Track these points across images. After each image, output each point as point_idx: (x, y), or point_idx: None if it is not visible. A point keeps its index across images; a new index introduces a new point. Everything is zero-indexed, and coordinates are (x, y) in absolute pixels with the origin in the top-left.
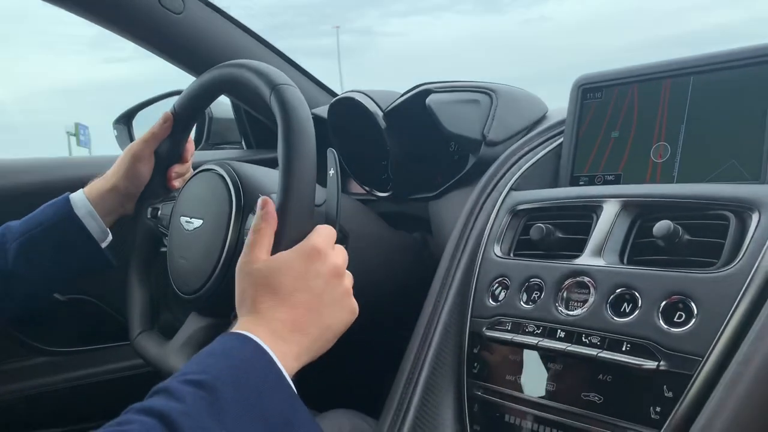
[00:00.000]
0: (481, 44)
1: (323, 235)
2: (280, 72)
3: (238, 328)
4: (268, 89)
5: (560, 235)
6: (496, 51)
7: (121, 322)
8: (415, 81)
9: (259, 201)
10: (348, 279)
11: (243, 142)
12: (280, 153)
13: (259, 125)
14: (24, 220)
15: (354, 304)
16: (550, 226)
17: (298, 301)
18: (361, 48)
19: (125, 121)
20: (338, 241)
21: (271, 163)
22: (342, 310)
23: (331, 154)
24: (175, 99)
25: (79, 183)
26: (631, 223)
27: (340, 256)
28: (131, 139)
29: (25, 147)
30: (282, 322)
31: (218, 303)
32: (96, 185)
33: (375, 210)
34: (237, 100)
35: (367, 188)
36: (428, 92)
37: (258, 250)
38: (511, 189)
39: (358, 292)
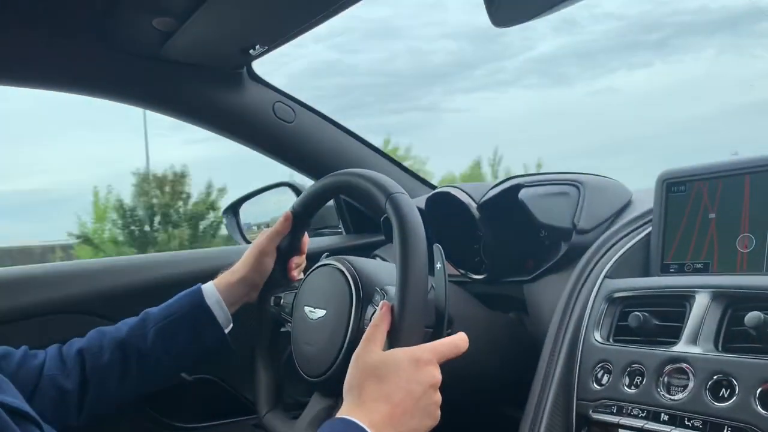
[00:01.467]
0: (548, 117)
1: (437, 351)
2: (392, 181)
3: (343, 412)
4: (384, 197)
5: (656, 323)
6: (563, 123)
7: (240, 400)
8: (482, 154)
9: (381, 302)
10: (439, 394)
11: (342, 227)
12: (397, 254)
13: (356, 211)
14: (161, 307)
15: (438, 415)
16: (646, 314)
17: (398, 399)
18: (427, 124)
19: (233, 210)
20: (445, 326)
21: (370, 247)
22: (429, 417)
23: (437, 250)
24: (280, 189)
25: (213, 274)
26: (723, 312)
27: (440, 373)
28: (239, 226)
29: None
30: (380, 414)
31: (342, 386)
32: (225, 277)
33: (470, 291)
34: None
35: (462, 271)
36: (519, 186)
37: (373, 344)
38: (605, 277)
39: (464, 370)
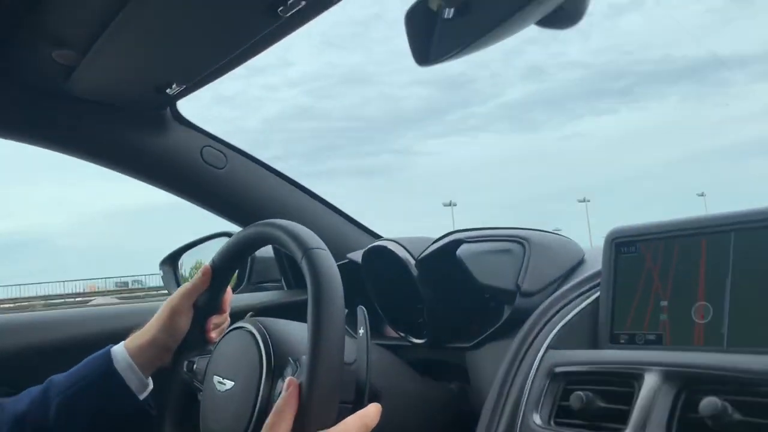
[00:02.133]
0: (516, 161)
1: (354, 427)
2: (312, 234)
3: None
4: (300, 252)
5: (601, 404)
6: (530, 167)
7: None
8: (450, 196)
9: (286, 381)
10: None
11: (283, 282)
12: (309, 319)
13: (298, 265)
14: (67, 374)
15: None
16: (590, 393)
17: None
18: (399, 167)
19: (171, 262)
20: (370, 400)
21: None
22: None
23: (361, 313)
24: (222, 240)
25: (124, 333)
26: (675, 395)
27: None
28: (176, 280)
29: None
30: None
31: None
32: (136, 338)
33: (409, 357)
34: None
35: (401, 334)
36: (459, 242)
37: None
38: (549, 347)
39: None
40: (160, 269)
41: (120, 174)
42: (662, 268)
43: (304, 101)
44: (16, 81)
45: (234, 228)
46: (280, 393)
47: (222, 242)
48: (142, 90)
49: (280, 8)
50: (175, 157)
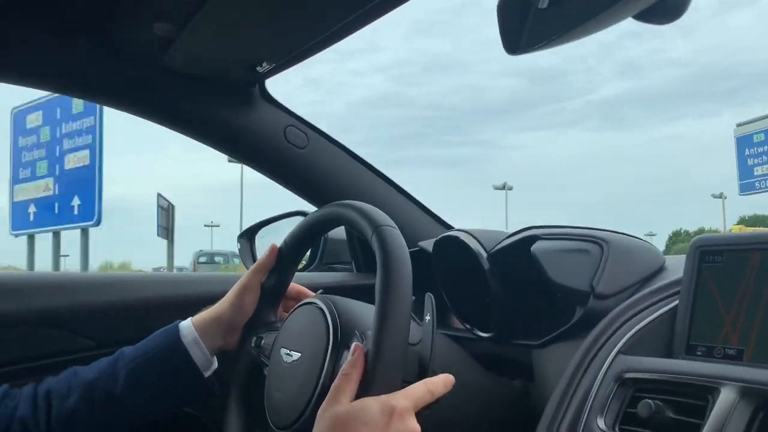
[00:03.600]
0: (604, 160)
1: (413, 397)
2: (382, 213)
3: None
4: (370, 230)
5: (671, 415)
6: (618, 168)
7: None
8: (533, 193)
9: (352, 346)
10: None
11: (353, 265)
12: (377, 292)
13: (370, 248)
14: (136, 346)
15: None
16: (660, 402)
17: None
18: (484, 159)
19: (248, 236)
20: None
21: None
22: None
23: (429, 299)
24: (298, 218)
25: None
26: (752, 414)
27: (419, 424)
28: (253, 254)
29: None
30: None
31: None
32: (204, 314)
33: (474, 350)
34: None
35: (468, 326)
36: (534, 238)
37: (341, 395)
38: (619, 352)
39: None
40: (237, 243)
41: (209, 149)
42: (747, 281)
43: (389, 87)
44: (117, 52)
45: (310, 208)
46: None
47: (298, 220)
48: (234, 66)
49: None
50: (259, 133)
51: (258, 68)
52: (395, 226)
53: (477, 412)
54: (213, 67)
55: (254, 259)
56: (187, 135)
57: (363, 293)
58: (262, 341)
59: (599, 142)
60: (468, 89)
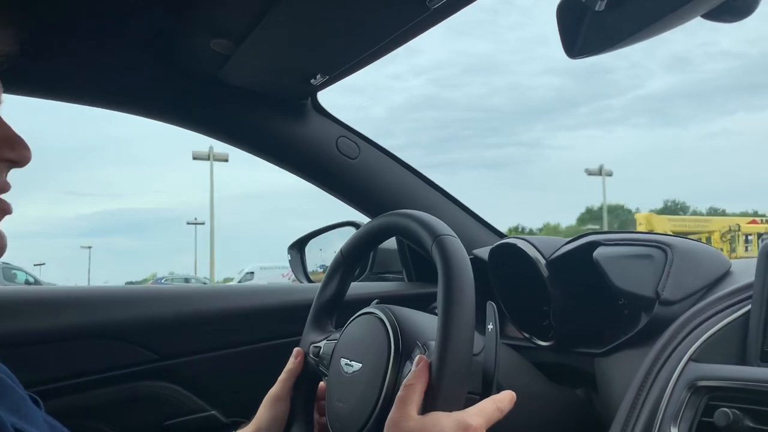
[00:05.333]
0: (655, 159)
1: (485, 414)
2: (441, 223)
3: None
4: (431, 239)
5: (750, 424)
6: (671, 166)
7: None
8: (582, 195)
9: (416, 357)
10: None
11: (404, 274)
12: (439, 303)
13: (420, 258)
14: None
15: None
16: (737, 411)
17: None
18: (528, 160)
19: (298, 247)
20: (493, 393)
21: (431, 298)
22: None
23: (491, 308)
24: (347, 229)
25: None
26: None
27: None
28: (303, 265)
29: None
30: None
31: None
32: (245, 430)
33: (533, 359)
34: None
35: (526, 335)
36: (595, 244)
37: (408, 406)
38: (690, 359)
39: None
40: (288, 254)
41: (253, 158)
42: None
43: (429, 90)
44: (174, 68)
45: (360, 218)
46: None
47: (348, 231)
48: (288, 79)
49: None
50: (312, 145)
51: (312, 81)
52: (455, 235)
53: (541, 422)
54: (268, 81)
55: (304, 270)
56: (240, 148)
57: (416, 303)
58: (320, 351)
59: (649, 139)
60: (508, 89)
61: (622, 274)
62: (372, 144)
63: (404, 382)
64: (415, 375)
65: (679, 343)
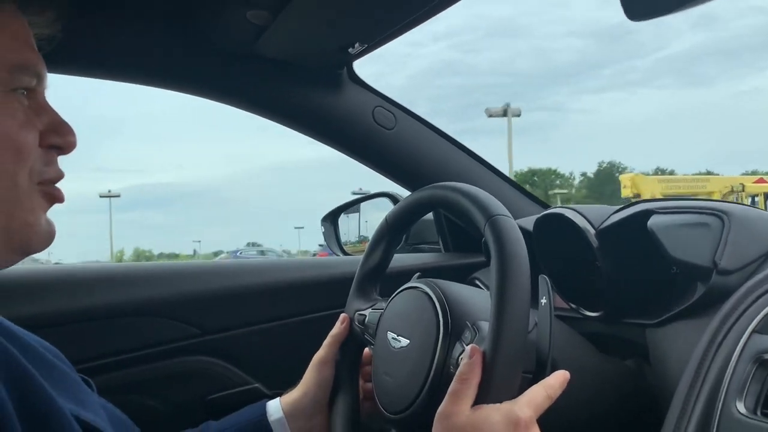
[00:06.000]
0: (683, 121)
1: (535, 404)
2: (495, 201)
3: None
4: (484, 219)
5: None
6: (700, 128)
7: None
8: (608, 158)
9: (468, 349)
10: None
11: (441, 244)
12: (493, 289)
13: (457, 228)
14: (223, 419)
15: None
16: None
17: None
18: (550, 125)
19: (332, 219)
20: (548, 373)
21: (469, 268)
22: None
23: (543, 281)
24: (381, 200)
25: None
26: None
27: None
28: (337, 237)
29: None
30: None
31: (421, 426)
32: (290, 395)
33: (579, 329)
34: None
35: (573, 305)
36: (649, 213)
37: (461, 401)
38: (754, 331)
39: (566, 429)
40: (321, 226)
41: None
42: None
43: (450, 56)
44: (210, 42)
45: (397, 189)
46: (459, 356)
47: (381, 202)
48: (325, 49)
49: None
50: (347, 116)
51: (350, 50)
52: (509, 215)
53: (593, 394)
54: (304, 51)
55: (338, 242)
56: (275, 121)
57: (454, 274)
58: (366, 319)
59: (675, 100)
60: (531, 53)
61: (678, 243)
62: (408, 113)
63: (458, 373)
64: (469, 368)
65: (741, 315)
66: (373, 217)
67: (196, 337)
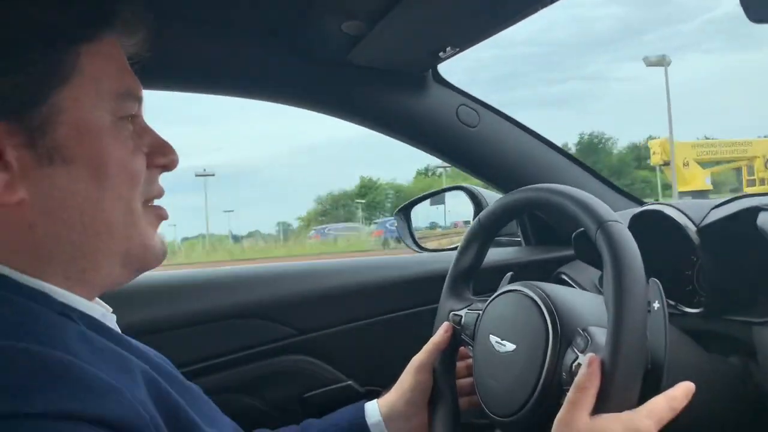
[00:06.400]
0: (733, 85)
1: (657, 416)
2: (604, 206)
3: None
4: (594, 225)
5: None
6: (754, 92)
7: None
8: (649, 129)
9: (586, 358)
10: None
11: (522, 238)
12: (609, 297)
13: (538, 221)
14: (322, 419)
15: None
16: None
17: None
18: (591, 94)
19: (404, 213)
20: (664, 379)
21: (555, 263)
22: None
23: (655, 285)
24: (456, 193)
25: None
26: None
27: None
28: (410, 230)
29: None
30: None
31: (529, 429)
32: (388, 396)
33: (679, 326)
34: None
35: (671, 302)
36: (756, 210)
37: (580, 411)
38: None
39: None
40: (394, 219)
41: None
42: None
43: None
44: (304, 53)
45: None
46: (573, 363)
47: (456, 196)
48: (417, 54)
49: None
50: (433, 116)
51: (440, 54)
52: (620, 220)
53: (703, 395)
54: (396, 58)
55: (412, 235)
56: (363, 125)
57: (539, 269)
58: (462, 320)
59: (723, 64)
60: (568, 21)
61: None
62: (491, 110)
63: (576, 382)
64: (588, 377)
65: None
66: (449, 204)
67: (292, 336)
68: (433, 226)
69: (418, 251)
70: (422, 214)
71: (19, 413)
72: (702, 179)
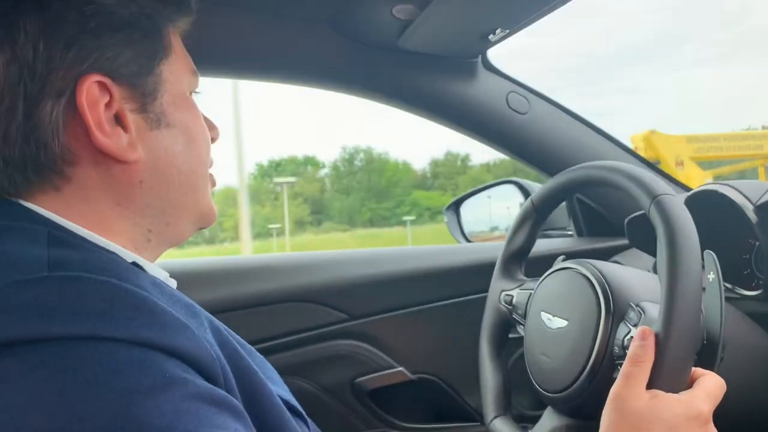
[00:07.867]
0: None
1: (714, 396)
2: (658, 179)
3: None
4: (648, 199)
5: None
6: None
7: (461, 404)
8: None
9: (639, 331)
10: None
11: (573, 229)
12: (664, 271)
13: (591, 212)
14: None
15: None
16: None
17: None
18: (626, 108)
19: (455, 208)
20: (719, 355)
21: (608, 252)
22: None
23: (710, 257)
24: (507, 187)
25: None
26: None
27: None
28: (461, 225)
29: None
30: None
31: (581, 406)
32: None
33: (735, 308)
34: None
35: (728, 285)
36: None
37: (636, 385)
38: None
39: (738, 412)
40: (444, 215)
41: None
42: None
43: (519, 40)
44: (355, 39)
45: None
46: (625, 337)
47: (507, 189)
48: (467, 38)
49: None
50: (482, 103)
51: (490, 37)
52: (674, 193)
53: (762, 376)
54: (445, 42)
55: (462, 230)
56: (412, 113)
57: (588, 258)
58: (513, 299)
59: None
60: (605, 33)
61: None
62: (542, 97)
63: (630, 355)
64: (643, 350)
65: None
66: (498, 206)
67: (345, 321)
68: (494, 229)
69: None
70: (483, 218)
71: (96, 336)
72: (702, 183)
